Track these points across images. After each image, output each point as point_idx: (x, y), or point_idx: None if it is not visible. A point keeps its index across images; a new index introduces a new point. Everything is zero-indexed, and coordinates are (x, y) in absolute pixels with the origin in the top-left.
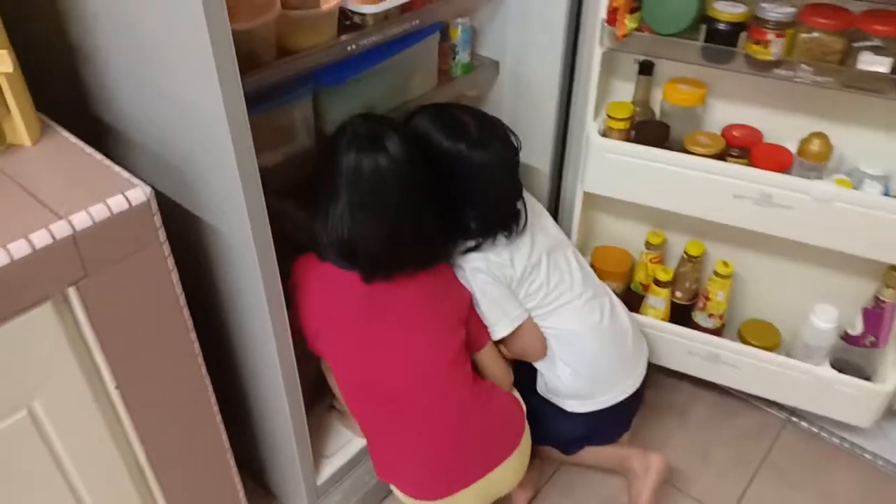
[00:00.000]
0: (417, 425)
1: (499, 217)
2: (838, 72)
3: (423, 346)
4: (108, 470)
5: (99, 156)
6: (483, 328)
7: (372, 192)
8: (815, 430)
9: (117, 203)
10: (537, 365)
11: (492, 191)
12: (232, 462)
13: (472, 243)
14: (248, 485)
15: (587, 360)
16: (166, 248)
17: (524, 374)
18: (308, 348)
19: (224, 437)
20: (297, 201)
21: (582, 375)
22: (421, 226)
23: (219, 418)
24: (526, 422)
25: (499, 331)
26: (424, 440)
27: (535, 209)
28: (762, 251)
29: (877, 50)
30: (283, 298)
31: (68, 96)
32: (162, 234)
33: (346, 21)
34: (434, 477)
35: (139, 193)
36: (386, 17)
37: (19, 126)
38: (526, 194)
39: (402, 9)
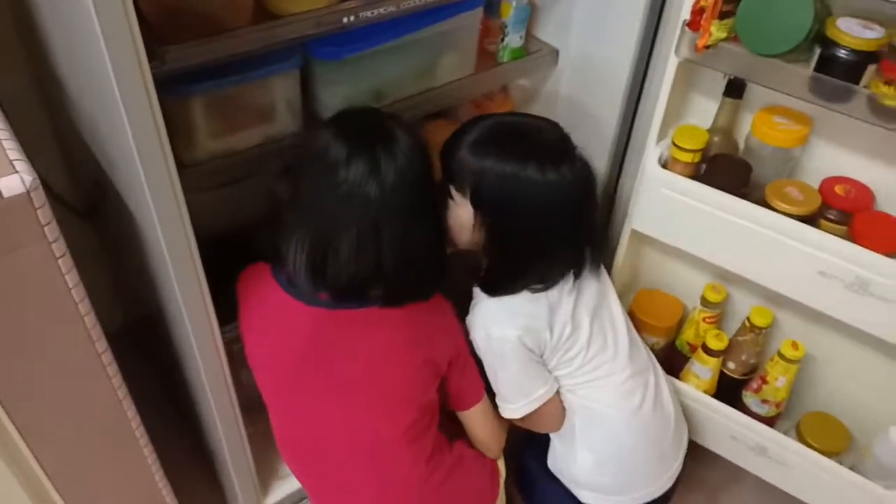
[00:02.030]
0: (354, 498)
1: (579, 260)
2: None
3: (368, 410)
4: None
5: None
6: (477, 384)
7: (350, 199)
8: None
9: None
10: (553, 438)
11: (584, 223)
12: (160, 476)
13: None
14: (211, 483)
15: (616, 451)
16: (59, 247)
17: (539, 435)
18: None
19: (147, 452)
20: None
21: (606, 468)
22: (408, 254)
23: (140, 432)
24: (498, 501)
25: (510, 411)
26: None
27: None
28: (846, 336)
29: None
30: (209, 310)
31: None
32: (52, 232)
33: None
34: None
35: (15, 182)
36: None
37: None
38: None
39: None
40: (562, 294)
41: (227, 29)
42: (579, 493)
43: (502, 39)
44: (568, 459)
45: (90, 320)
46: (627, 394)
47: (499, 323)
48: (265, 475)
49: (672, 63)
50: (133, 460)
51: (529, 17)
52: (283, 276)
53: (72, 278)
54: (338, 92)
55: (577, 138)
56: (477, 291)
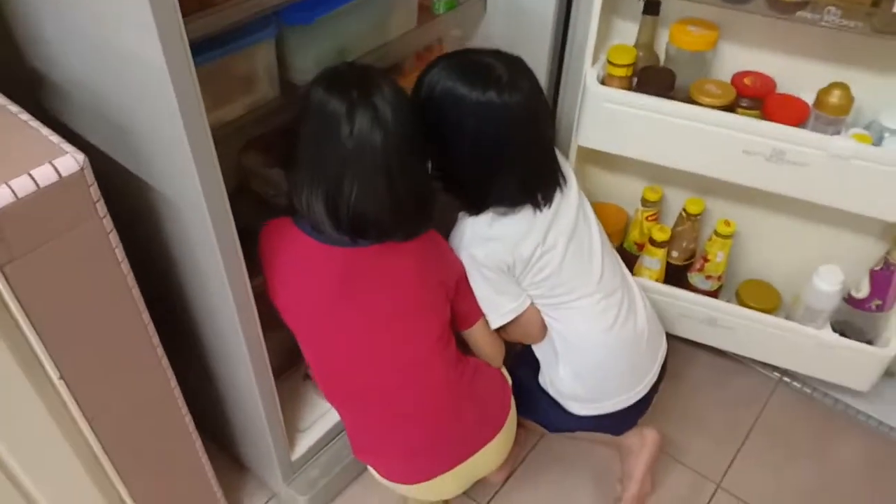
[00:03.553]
0: (393, 413)
1: (538, 180)
2: (870, 14)
3: (402, 331)
4: (59, 463)
5: (25, 115)
6: (476, 304)
7: (360, 150)
8: (808, 390)
9: (44, 174)
10: (539, 356)
11: (532, 144)
12: (199, 445)
13: (493, 212)
14: (222, 460)
15: (591, 366)
16: (108, 223)
17: (531, 353)
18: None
19: (188, 421)
20: (266, 156)
21: (584, 380)
22: (416, 187)
23: (181, 402)
24: (512, 401)
25: (492, 321)
26: (401, 427)
27: (566, 172)
28: (766, 208)
29: None
30: (243, 268)
31: (14, 52)
32: (101, 208)
33: None
34: (412, 462)
35: (70, 162)
36: None
37: None
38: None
39: None
40: (534, 217)
41: (212, 3)
42: (565, 404)
43: None
44: (552, 375)
45: (136, 293)
46: (600, 314)
47: (466, 244)
48: (289, 430)
49: None
50: (176, 428)
51: None
52: (306, 224)
53: (119, 252)
54: (308, 55)
55: None
56: (459, 216)
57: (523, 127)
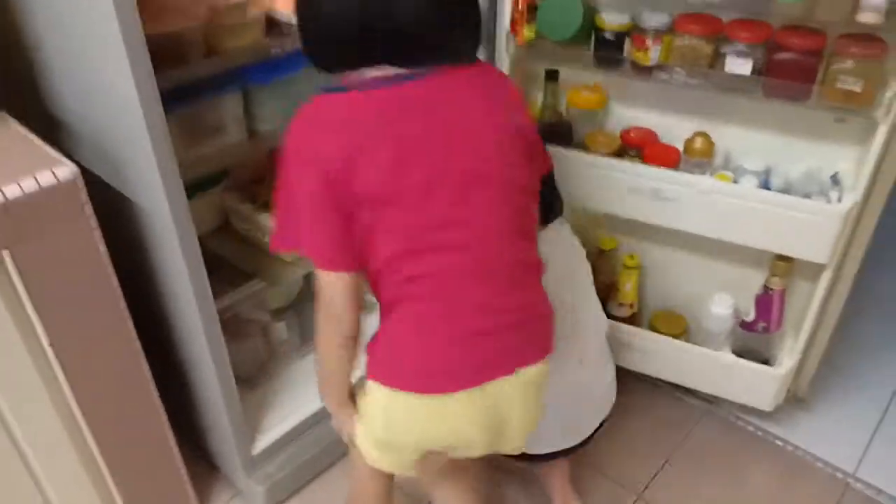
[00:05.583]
0: (457, 298)
1: None
2: (707, 73)
3: (474, 188)
4: (45, 422)
5: (38, 141)
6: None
7: None
8: (731, 419)
9: (46, 178)
10: None
11: None
12: (164, 420)
13: None
14: (193, 454)
15: None
16: (93, 221)
17: None
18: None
19: (156, 398)
20: (242, 193)
21: None
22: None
23: (150, 380)
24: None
25: None
26: (464, 316)
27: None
28: (670, 246)
29: (741, 54)
30: (205, 277)
31: (29, 95)
32: (88, 209)
33: (276, 26)
34: (457, 360)
35: (66, 171)
36: None
37: None
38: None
39: None
40: None
41: (189, 61)
42: None
43: None
44: None
45: (115, 282)
46: None
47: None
48: (251, 431)
49: (505, 61)
50: (148, 409)
51: None
52: (337, 86)
53: (102, 247)
54: (268, 109)
55: None
56: None
57: None
